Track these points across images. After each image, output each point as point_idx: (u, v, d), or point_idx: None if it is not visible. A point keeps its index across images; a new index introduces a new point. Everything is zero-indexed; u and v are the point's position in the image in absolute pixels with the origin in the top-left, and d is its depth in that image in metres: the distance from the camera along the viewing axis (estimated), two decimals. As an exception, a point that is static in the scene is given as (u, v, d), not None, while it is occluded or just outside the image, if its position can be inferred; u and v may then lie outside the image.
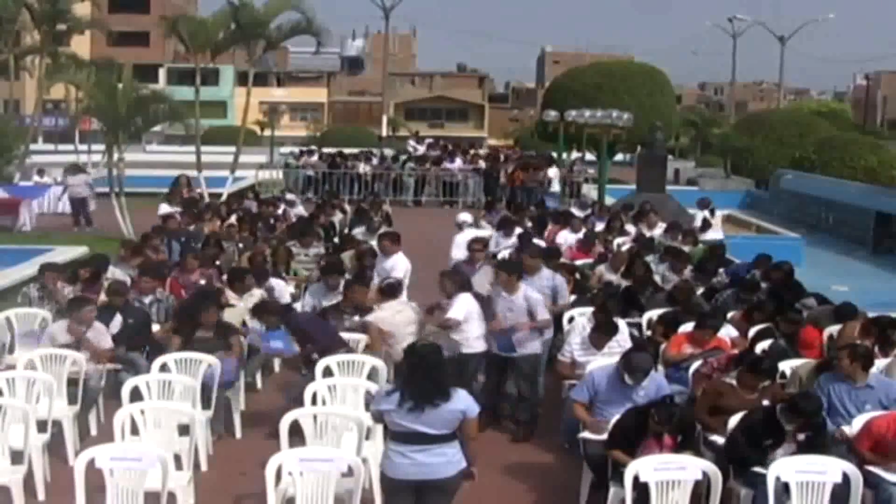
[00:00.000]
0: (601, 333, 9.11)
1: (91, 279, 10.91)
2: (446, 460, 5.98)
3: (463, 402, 6.05)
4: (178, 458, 7.03)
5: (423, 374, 6.00)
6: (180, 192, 19.63)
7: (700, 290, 11.81)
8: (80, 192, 22.90)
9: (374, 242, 14.43)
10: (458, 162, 30.92)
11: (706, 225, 18.12)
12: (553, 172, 27.87)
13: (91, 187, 23.15)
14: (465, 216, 16.31)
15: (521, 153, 43.01)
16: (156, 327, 10.18)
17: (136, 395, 7.95)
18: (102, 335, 9.18)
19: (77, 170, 24.13)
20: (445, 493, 6.07)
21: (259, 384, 10.68)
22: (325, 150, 36.55)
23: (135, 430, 7.34)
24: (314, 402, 7.87)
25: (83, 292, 10.37)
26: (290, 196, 22.33)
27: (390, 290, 10.03)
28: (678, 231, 15.42)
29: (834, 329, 9.86)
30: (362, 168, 30.15)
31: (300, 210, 19.76)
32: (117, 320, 9.66)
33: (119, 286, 10.39)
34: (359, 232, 16.29)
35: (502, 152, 39.97)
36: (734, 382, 7.94)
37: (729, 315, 10.46)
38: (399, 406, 5.92)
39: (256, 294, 10.88)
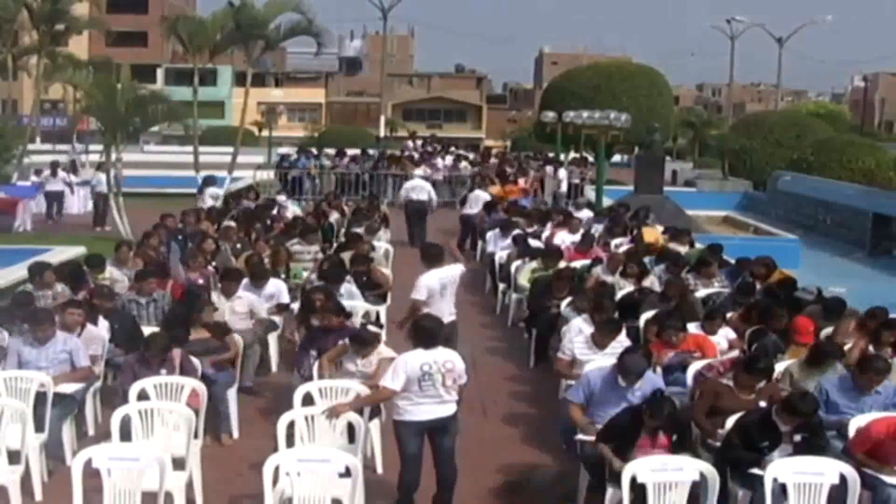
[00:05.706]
0: (603, 332, 9.10)
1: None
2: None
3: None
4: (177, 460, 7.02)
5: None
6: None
7: (699, 292, 11.81)
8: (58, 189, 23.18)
9: (373, 243, 14.47)
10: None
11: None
12: (562, 174, 27.82)
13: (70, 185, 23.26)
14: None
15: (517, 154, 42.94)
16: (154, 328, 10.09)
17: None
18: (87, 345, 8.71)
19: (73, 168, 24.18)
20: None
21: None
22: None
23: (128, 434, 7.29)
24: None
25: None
26: (281, 197, 22.31)
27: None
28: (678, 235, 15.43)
29: (828, 329, 9.82)
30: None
31: (295, 210, 19.72)
32: (103, 325, 9.46)
33: (109, 290, 10.25)
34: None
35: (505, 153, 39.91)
36: (731, 383, 7.94)
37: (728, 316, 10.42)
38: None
39: (245, 297, 10.81)
